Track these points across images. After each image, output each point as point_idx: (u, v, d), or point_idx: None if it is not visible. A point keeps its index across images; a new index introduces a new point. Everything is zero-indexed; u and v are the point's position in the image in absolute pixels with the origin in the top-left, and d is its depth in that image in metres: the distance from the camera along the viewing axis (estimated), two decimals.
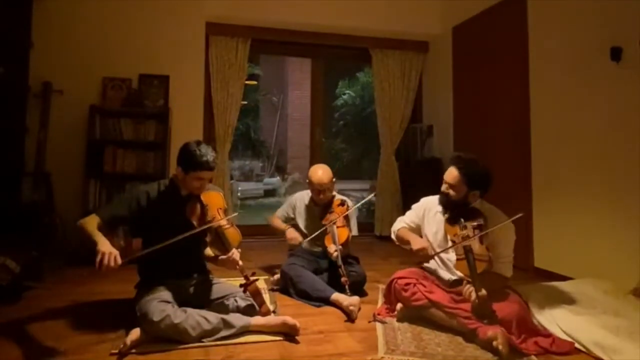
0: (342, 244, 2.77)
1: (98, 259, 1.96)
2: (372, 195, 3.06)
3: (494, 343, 1.96)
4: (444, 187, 2.42)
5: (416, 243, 2.45)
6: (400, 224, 2.65)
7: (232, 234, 2.34)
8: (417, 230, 2.60)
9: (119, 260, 1.99)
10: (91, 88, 4.13)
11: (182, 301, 2.22)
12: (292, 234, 3.10)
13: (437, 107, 5.07)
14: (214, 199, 2.39)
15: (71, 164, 3.95)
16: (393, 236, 2.68)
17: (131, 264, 2.12)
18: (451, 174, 2.37)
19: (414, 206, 2.68)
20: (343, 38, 5.02)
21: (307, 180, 3.06)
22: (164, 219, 2.29)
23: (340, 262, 2.66)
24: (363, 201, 3.05)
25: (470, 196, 2.37)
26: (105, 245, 2.01)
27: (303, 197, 3.21)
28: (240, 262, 2.28)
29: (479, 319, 2.10)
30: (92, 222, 2.16)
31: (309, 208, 3.15)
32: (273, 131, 11.83)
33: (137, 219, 2.30)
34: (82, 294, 2.83)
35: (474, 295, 2.09)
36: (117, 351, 1.94)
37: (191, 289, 2.35)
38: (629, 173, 2.84)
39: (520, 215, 2.19)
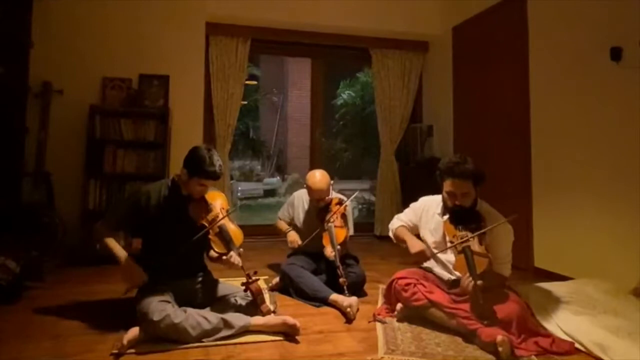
0: (340, 244, 2.78)
1: (127, 286, 2.18)
2: (356, 193, 3.25)
3: (500, 349, 1.94)
4: (456, 201, 2.32)
5: (414, 246, 2.45)
6: (399, 223, 2.65)
7: (235, 232, 2.35)
8: (414, 229, 2.61)
9: (145, 277, 2.17)
10: (91, 88, 4.12)
11: (187, 300, 2.23)
12: (292, 237, 3.14)
13: (437, 107, 5.07)
14: (217, 197, 2.40)
15: (71, 163, 3.95)
16: (391, 234, 2.69)
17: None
18: (460, 184, 2.29)
19: (412, 205, 2.68)
20: (343, 38, 5.02)
21: (305, 186, 3.06)
22: (167, 218, 2.30)
23: (338, 262, 2.66)
24: (353, 196, 3.20)
25: (477, 194, 2.37)
26: (127, 270, 2.20)
27: (302, 195, 3.22)
28: (240, 263, 2.29)
29: (479, 319, 2.10)
30: (107, 234, 2.30)
31: (308, 208, 3.15)
32: (273, 131, 11.82)
33: (137, 219, 2.31)
34: (82, 294, 2.83)
35: (472, 285, 2.07)
36: (116, 351, 1.94)
37: (196, 288, 2.37)
38: (629, 173, 2.83)
39: (515, 216, 2.26)
